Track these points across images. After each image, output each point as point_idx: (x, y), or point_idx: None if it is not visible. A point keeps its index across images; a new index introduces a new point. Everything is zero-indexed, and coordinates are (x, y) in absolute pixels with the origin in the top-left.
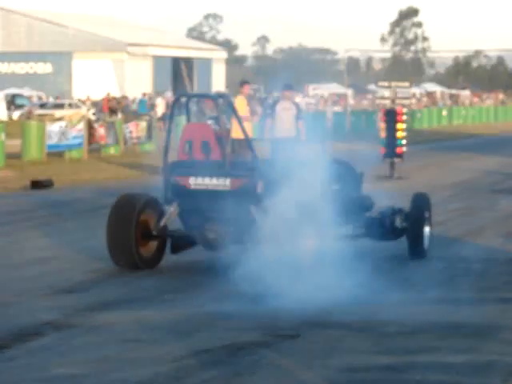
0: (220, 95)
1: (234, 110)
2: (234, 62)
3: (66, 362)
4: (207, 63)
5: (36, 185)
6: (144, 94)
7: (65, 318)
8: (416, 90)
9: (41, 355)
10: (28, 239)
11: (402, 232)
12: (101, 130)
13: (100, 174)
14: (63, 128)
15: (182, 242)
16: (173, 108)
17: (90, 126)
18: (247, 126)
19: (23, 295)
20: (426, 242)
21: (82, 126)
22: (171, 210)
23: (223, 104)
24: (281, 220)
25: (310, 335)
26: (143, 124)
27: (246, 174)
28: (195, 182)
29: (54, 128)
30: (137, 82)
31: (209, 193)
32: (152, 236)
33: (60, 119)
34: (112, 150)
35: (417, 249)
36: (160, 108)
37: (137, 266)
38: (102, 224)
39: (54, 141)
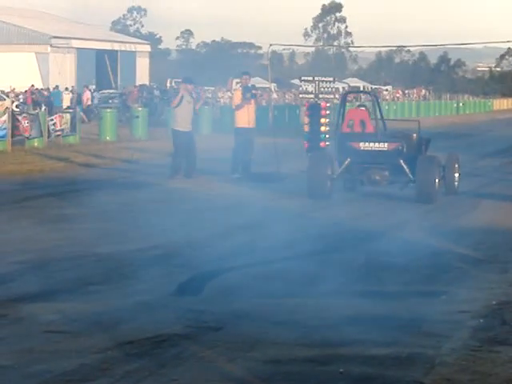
0: (367, 92)
1: (378, 105)
2: (158, 56)
3: None
4: (131, 56)
5: None
6: (57, 87)
7: None
8: (339, 85)
9: None
10: None
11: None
12: (25, 123)
13: (24, 167)
14: None
15: (351, 183)
16: (343, 100)
17: (13, 118)
18: (248, 112)
19: None
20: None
21: (5, 118)
22: (346, 162)
23: (370, 99)
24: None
25: (233, 328)
26: (67, 116)
27: (397, 140)
28: (364, 145)
29: None
30: (61, 74)
31: (373, 152)
32: (332, 178)
33: None
34: (36, 143)
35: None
36: (65, 101)
37: (324, 197)
38: (26, 215)
39: None
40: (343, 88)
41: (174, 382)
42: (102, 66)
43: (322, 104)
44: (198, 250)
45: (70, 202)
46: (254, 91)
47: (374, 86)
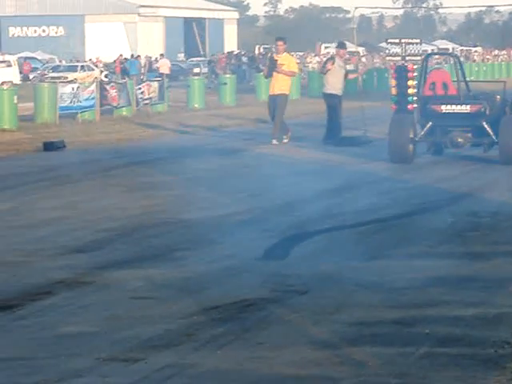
0: (449, 53)
1: (460, 66)
2: (246, 22)
3: (76, 320)
4: (219, 24)
5: (48, 146)
6: (132, 55)
7: (76, 276)
8: (427, 48)
9: (51, 314)
10: (40, 200)
11: None
12: (113, 92)
13: (112, 136)
14: (75, 90)
15: (434, 145)
16: (424, 63)
17: (102, 88)
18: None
19: (35, 255)
20: None
21: (94, 87)
22: (428, 125)
23: (453, 60)
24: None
25: (318, 291)
26: (155, 85)
27: (479, 102)
28: (446, 108)
29: (66, 90)
30: (149, 43)
31: (455, 114)
32: (414, 141)
33: (72, 81)
34: (124, 112)
35: None
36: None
37: (406, 161)
38: (114, 184)
39: (66, 103)
40: (432, 50)
41: (259, 346)
42: (190, 34)
43: (409, 66)
44: (285, 214)
45: (158, 170)
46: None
47: (463, 48)
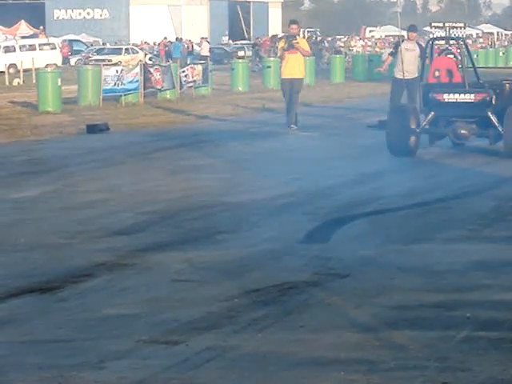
0: (455, 38)
1: (469, 53)
2: (291, 6)
3: (117, 302)
4: (263, 7)
5: (92, 129)
6: (177, 38)
7: (117, 259)
8: (472, 31)
9: (92, 296)
10: (83, 182)
11: None
12: (157, 75)
13: (155, 119)
14: (119, 73)
15: (435, 137)
16: (429, 47)
17: (145, 71)
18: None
19: (76, 237)
20: None
21: (137, 70)
22: (430, 116)
23: (458, 46)
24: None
25: (360, 274)
26: (199, 68)
27: (484, 91)
28: (448, 97)
29: (109, 73)
30: (193, 26)
31: (458, 104)
32: (415, 132)
33: (116, 64)
34: (168, 95)
35: None
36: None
37: (406, 154)
38: (156, 166)
39: (109, 86)
40: (476, 34)
41: (300, 329)
42: (234, 17)
43: (454, 50)
44: (326, 197)
45: (200, 153)
46: (294, 41)
47: (508, 32)
